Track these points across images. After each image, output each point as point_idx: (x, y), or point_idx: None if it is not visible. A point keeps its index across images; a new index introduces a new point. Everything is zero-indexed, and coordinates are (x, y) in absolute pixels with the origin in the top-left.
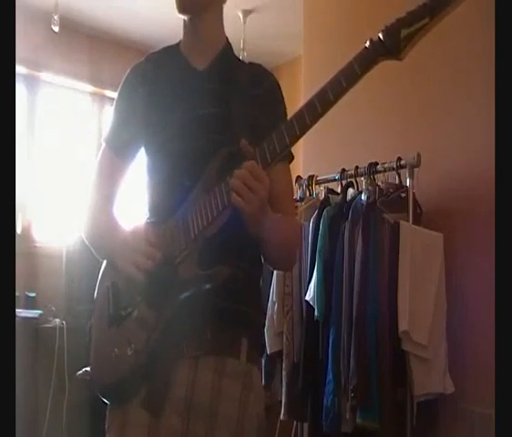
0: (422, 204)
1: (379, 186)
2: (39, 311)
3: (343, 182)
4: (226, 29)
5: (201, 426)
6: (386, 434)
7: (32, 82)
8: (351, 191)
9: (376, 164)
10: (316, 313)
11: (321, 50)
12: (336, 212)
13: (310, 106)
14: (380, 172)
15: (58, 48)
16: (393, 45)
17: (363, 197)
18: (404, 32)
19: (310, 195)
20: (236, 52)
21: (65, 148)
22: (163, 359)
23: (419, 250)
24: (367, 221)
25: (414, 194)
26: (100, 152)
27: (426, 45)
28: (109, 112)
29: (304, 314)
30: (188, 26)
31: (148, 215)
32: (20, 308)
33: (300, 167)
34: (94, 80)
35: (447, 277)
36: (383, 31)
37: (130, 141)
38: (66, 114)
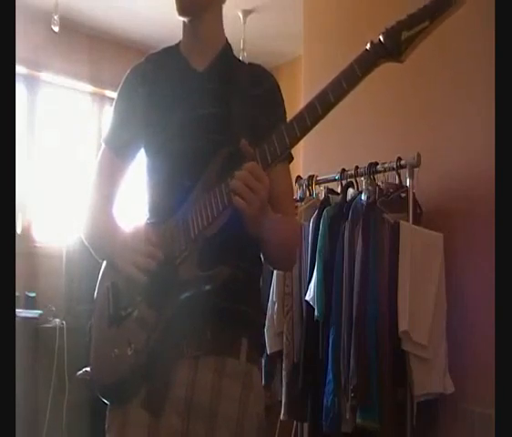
0: (422, 204)
1: (379, 186)
2: (39, 311)
3: (343, 182)
4: (226, 29)
5: (201, 426)
6: (386, 434)
7: (32, 82)
8: (351, 191)
9: (376, 164)
10: (316, 313)
11: (321, 50)
12: (336, 212)
13: (310, 107)
14: (380, 172)
15: (58, 48)
16: (393, 47)
17: (363, 197)
18: (404, 34)
19: (310, 195)
20: (236, 52)
21: (65, 148)
22: (163, 359)
23: (419, 250)
24: (367, 221)
25: (414, 194)
26: (100, 152)
27: (427, 47)
28: (109, 112)
29: (304, 314)
30: (187, 27)
31: (148, 215)
32: (20, 308)
33: (300, 167)
34: (94, 80)
35: (447, 277)
36: (383, 33)
37: (130, 141)
38: (66, 114)
